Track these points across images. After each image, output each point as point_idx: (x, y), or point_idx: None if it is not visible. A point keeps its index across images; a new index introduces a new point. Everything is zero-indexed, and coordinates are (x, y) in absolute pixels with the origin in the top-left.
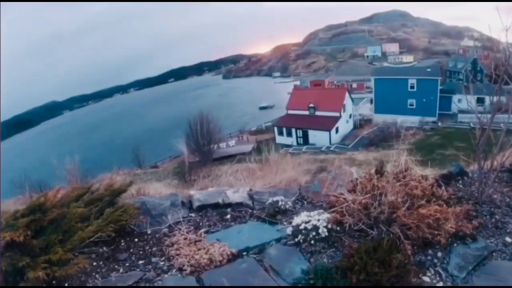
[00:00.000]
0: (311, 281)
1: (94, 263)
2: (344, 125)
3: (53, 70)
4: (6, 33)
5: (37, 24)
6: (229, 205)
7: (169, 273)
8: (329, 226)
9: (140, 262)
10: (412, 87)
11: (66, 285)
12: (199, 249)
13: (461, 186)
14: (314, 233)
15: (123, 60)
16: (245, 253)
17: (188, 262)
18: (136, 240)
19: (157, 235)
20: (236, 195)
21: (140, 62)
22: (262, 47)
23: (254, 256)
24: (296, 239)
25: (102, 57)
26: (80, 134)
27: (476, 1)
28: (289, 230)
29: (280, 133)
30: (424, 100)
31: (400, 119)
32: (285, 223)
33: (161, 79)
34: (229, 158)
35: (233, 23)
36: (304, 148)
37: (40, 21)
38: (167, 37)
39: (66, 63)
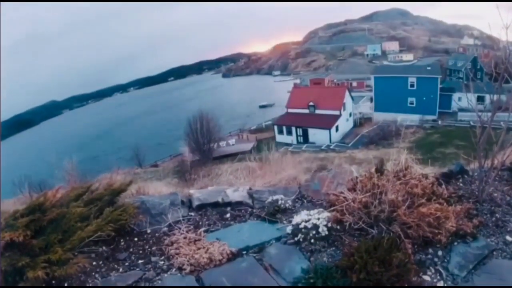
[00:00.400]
0: (311, 280)
1: (94, 263)
2: (344, 124)
3: (52, 70)
4: (6, 33)
5: (34, 23)
6: (229, 204)
7: (168, 273)
8: (329, 225)
9: (140, 261)
10: (412, 85)
11: (65, 284)
12: (198, 248)
13: (461, 184)
14: (314, 232)
15: (122, 59)
16: (245, 252)
17: (188, 261)
18: (135, 239)
19: (156, 234)
20: (235, 194)
21: (139, 61)
22: (262, 46)
23: (254, 255)
24: (296, 238)
25: (101, 56)
26: (80, 133)
27: (476, 1)
28: (289, 229)
29: (280, 132)
30: (424, 98)
31: (400, 117)
32: (285, 222)
33: (161, 78)
34: (229, 157)
35: (232, 21)
36: (304, 146)
37: (37, 20)
38: (166, 36)
39: (65, 62)
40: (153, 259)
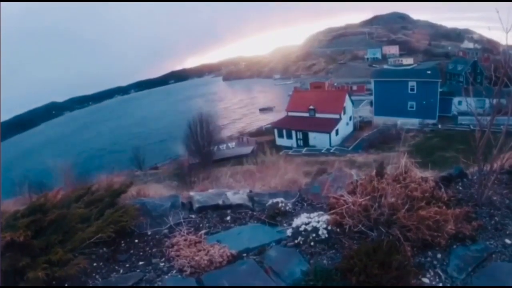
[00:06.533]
0: (311, 283)
1: (94, 264)
2: (344, 127)
3: (52, 70)
4: (6, 32)
5: (37, 23)
6: (229, 206)
7: (169, 274)
8: (329, 227)
9: (140, 263)
10: (412, 89)
11: (66, 285)
12: (199, 250)
13: (460, 188)
14: (314, 235)
15: (123, 60)
16: (245, 254)
17: (188, 263)
18: (136, 241)
19: (157, 236)
20: (236, 196)
21: (140, 63)
22: (262, 49)
23: (254, 257)
24: (296, 241)
25: (101, 57)
26: (80, 135)
27: (477, 1)
28: (289, 231)
29: (280, 135)
30: (424, 102)
31: (400, 121)
32: (285, 224)
33: (162, 81)
34: (229, 160)
35: (232, 24)
36: (304, 150)
37: (40, 20)
38: (166, 39)
39: (66, 63)
40: (153, 260)
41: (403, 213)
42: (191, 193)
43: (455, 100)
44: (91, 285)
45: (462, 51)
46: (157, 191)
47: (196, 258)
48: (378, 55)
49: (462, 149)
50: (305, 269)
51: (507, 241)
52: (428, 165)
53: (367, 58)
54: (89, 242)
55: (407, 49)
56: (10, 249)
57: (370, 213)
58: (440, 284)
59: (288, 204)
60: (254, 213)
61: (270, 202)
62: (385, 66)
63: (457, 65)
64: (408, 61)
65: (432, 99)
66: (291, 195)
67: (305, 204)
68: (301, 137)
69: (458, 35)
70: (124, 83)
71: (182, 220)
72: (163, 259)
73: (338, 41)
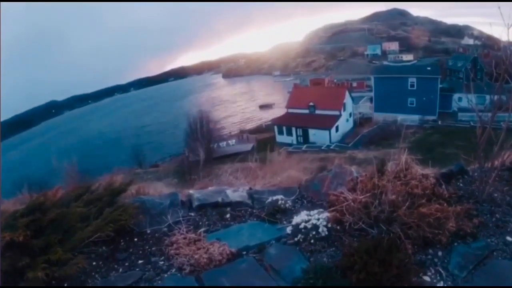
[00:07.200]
0: (311, 281)
1: (94, 263)
2: (344, 124)
3: (52, 69)
4: (6, 32)
5: (36, 22)
6: (229, 204)
7: (168, 273)
8: (329, 225)
9: (140, 261)
10: (412, 85)
11: (65, 285)
12: (198, 249)
13: (461, 185)
14: (314, 232)
15: (122, 58)
16: (244, 252)
17: (188, 261)
18: (135, 239)
19: (156, 235)
20: (235, 194)
21: (139, 60)
22: (261, 46)
23: (254, 255)
24: (296, 238)
25: (101, 56)
26: (81, 133)
27: (477, 1)
28: (289, 229)
29: (280, 132)
30: (424, 98)
31: (400, 117)
32: (285, 222)
33: (162, 79)
34: (229, 157)
35: (231, 20)
36: (304, 147)
37: (38, 19)
38: (164, 37)
39: (65, 62)
40: (153, 259)
41: (403, 211)
42: (191, 191)
43: (455, 96)
44: (90, 285)
45: (462, 47)
46: (157, 189)
47: (196, 256)
48: (378, 52)
49: (462, 146)
50: (305, 267)
51: (508, 238)
52: (428, 162)
53: (367, 55)
54: (88, 241)
55: (407, 46)
56: (10, 249)
57: (371, 211)
58: (441, 282)
59: (288, 201)
60: (254, 211)
61: (269, 199)
62: (385, 63)
63: (457, 61)
64: (408, 57)
65: (432, 96)
66: (291, 192)
67: (305, 201)
68: (301, 134)
69: (458, 31)
70: (123, 81)
71: (181, 218)
72: (163, 257)
73: (338, 38)
